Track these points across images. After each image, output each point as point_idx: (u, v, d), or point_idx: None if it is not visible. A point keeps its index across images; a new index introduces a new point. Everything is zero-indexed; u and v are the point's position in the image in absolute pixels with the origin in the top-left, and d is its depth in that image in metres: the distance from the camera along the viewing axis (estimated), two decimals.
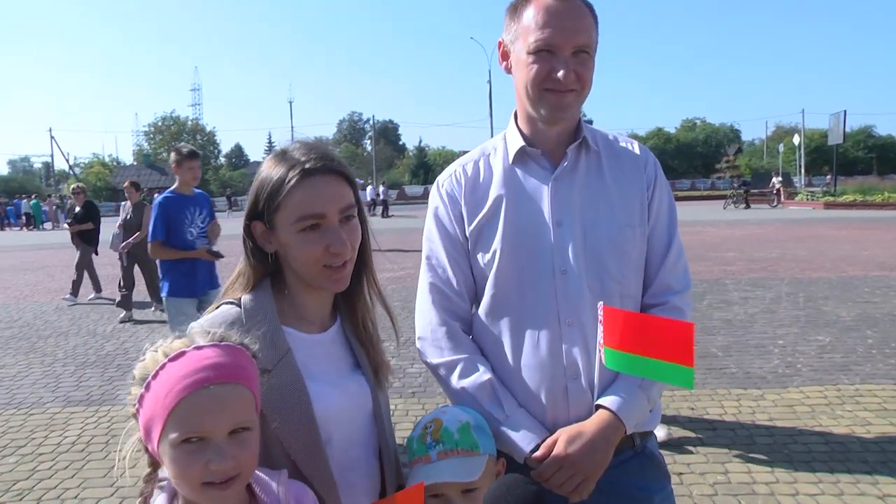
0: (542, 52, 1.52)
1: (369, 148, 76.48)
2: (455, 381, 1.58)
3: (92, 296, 11.18)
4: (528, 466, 1.49)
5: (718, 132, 73.77)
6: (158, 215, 5.21)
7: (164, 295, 5.24)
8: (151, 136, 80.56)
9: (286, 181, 1.31)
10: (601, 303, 1.45)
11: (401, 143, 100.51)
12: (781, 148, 55.37)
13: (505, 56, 1.64)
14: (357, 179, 1.44)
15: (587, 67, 1.54)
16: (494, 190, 1.65)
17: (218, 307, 1.38)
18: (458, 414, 1.45)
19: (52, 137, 68.19)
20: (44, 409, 5.55)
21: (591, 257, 1.58)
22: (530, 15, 1.53)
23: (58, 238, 26.38)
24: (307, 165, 1.32)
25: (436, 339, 1.63)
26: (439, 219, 1.69)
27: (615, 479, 1.55)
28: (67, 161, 72.30)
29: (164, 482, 1.15)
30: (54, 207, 38.50)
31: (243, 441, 1.09)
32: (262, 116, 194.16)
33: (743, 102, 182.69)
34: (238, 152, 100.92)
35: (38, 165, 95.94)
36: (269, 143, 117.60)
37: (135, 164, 71.29)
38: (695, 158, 69.15)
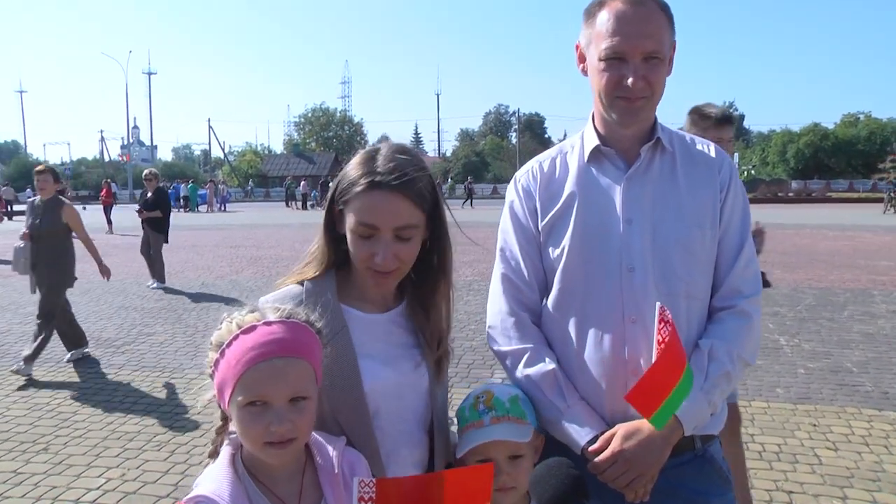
0: (613, 60, 1.53)
1: (514, 140, 76.63)
2: (521, 369, 1.62)
3: (150, 283, 10.91)
4: (585, 458, 1.51)
5: (885, 128, 66.70)
6: None
7: None
8: (301, 126, 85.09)
9: (355, 185, 1.40)
10: (658, 303, 1.44)
11: (546, 136, 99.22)
12: None
13: (581, 59, 1.65)
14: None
15: (657, 73, 1.54)
16: (568, 187, 1.67)
17: (286, 286, 1.49)
18: (507, 388, 1.57)
19: (210, 127, 74.56)
20: (183, 374, 6.13)
21: (658, 255, 1.57)
22: (602, 21, 1.55)
23: (210, 220, 28.69)
24: (377, 178, 1.37)
25: (505, 329, 1.67)
26: (514, 212, 1.73)
27: (672, 480, 1.55)
28: (223, 149, 78.01)
29: (233, 435, 1.29)
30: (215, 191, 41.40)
31: (301, 408, 1.22)
32: (410, 108, 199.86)
33: None
34: None
35: (197, 153, 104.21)
36: (416, 133, 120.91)
37: (284, 152, 75.87)
38: (855, 157, 63.14)
